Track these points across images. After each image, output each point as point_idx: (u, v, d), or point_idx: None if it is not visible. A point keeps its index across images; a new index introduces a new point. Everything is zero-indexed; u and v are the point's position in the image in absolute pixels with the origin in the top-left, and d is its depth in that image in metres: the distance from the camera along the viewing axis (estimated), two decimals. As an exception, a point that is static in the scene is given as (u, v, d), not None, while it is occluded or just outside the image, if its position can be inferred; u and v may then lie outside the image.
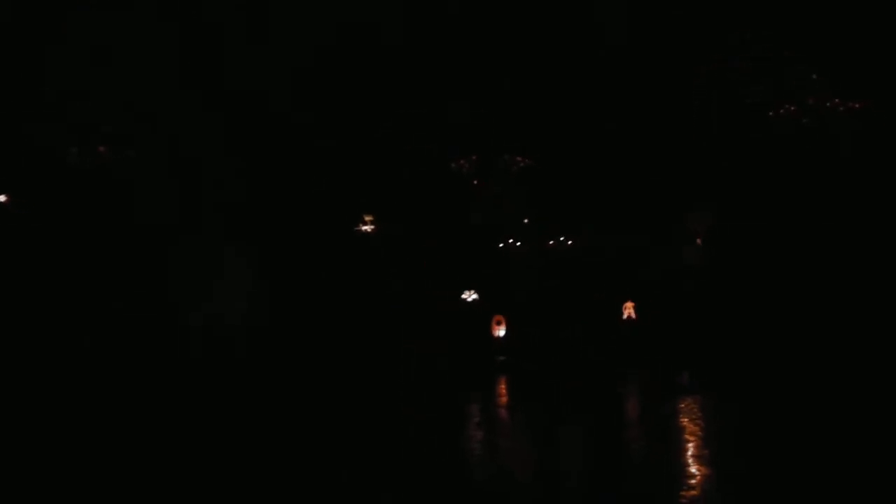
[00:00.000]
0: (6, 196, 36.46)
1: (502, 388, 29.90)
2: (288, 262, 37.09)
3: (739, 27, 34.97)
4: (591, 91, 37.23)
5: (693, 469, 15.55)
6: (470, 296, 37.75)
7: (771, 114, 33.61)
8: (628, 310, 35.58)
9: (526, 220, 40.50)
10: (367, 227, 40.94)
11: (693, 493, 13.80)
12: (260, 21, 35.70)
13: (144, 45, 35.22)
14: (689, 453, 17.15)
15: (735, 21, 34.93)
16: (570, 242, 39.29)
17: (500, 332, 35.74)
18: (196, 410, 21.42)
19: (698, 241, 36.31)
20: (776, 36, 34.02)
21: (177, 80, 35.64)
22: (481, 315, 36.49)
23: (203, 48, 35.86)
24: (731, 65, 35.13)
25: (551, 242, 39.50)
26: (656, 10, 35.16)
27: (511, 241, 39.99)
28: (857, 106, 32.81)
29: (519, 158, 41.14)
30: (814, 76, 33.35)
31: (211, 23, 35.67)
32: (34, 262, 34.45)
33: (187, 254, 33.95)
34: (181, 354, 30.66)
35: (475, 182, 41.43)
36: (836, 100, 33.37)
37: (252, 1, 35.79)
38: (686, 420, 21.15)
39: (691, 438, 18.70)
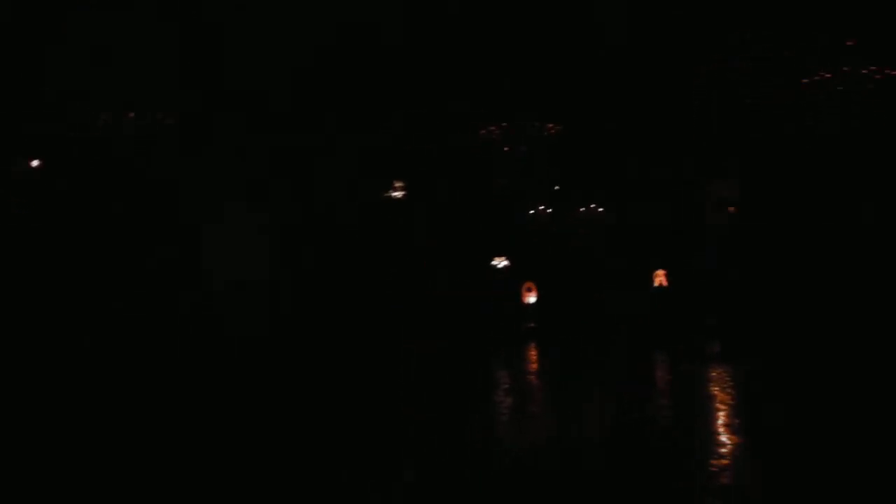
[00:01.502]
0: (39, 161, 36.91)
1: (532, 354, 30.07)
2: (312, 231, 37.20)
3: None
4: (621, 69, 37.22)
5: (724, 438, 15.63)
6: (501, 262, 37.83)
7: (806, 81, 33.24)
8: (659, 278, 35.57)
9: (557, 187, 40.42)
10: (398, 194, 41.02)
11: (724, 461, 13.90)
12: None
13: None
14: (720, 422, 17.23)
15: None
16: (601, 210, 39.18)
17: (531, 298, 35.91)
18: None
19: (730, 209, 36.11)
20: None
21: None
22: (512, 281, 36.62)
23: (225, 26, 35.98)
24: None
25: (582, 209, 39.41)
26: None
27: (542, 207, 39.96)
28: (894, 73, 32.37)
29: (549, 125, 41.01)
30: (848, 43, 32.92)
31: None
32: (64, 229, 34.97)
33: (207, 222, 34.20)
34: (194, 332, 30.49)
35: (505, 149, 41.36)
36: (872, 67, 32.91)
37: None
38: (717, 389, 21.22)
39: (722, 407, 18.77)
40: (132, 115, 37.68)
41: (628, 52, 36.44)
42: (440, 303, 33.86)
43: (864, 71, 33.48)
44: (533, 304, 35.76)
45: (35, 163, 36.73)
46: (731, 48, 35.36)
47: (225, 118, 36.13)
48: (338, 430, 16.57)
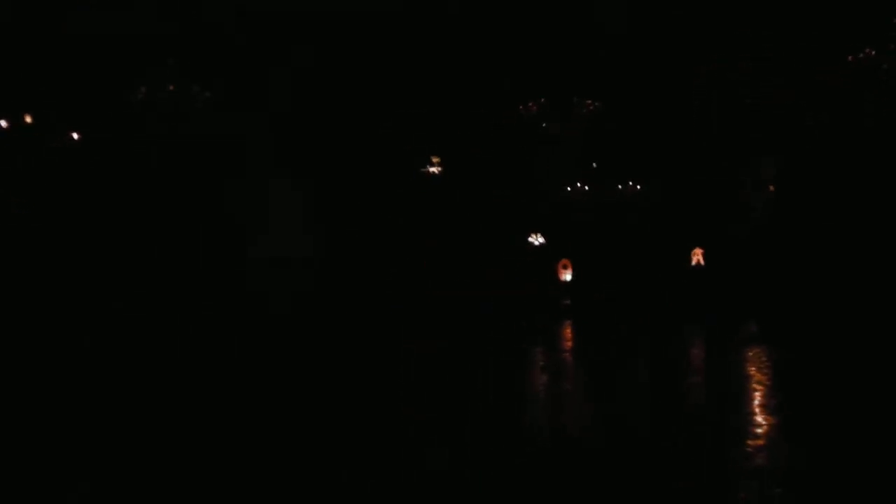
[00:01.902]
0: (79, 134, 37.26)
1: (567, 331, 30.03)
2: (348, 203, 37.12)
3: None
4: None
5: (759, 418, 15.53)
6: (537, 239, 37.76)
7: (850, 58, 32.70)
8: (697, 256, 35.33)
9: (595, 165, 40.23)
10: (435, 169, 40.99)
11: (759, 442, 13.80)
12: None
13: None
14: (756, 402, 17.12)
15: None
16: (638, 187, 38.96)
17: (567, 276, 35.82)
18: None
19: (770, 188, 35.73)
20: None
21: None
22: (548, 258, 36.55)
23: None
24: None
25: (620, 187, 39.23)
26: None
27: (579, 184, 39.80)
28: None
29: (588, 102, 40.72)
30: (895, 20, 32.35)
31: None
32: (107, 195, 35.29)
33: (242, 194, 34.27)
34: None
35: (544, 125, 41.16)
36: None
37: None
38: (753, 369, 21.09)
39: (758, 388, 18.65)
40: (171, 87, 37.86)
41: (669, 33, 35.99)
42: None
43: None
44: (569, 282, 35.66)
45: (75, 136, 37.11)
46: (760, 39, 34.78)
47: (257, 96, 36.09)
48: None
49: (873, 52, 32.68)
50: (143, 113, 37.63)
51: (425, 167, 40.92)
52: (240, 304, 30.73)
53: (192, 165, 36.65)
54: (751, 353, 23.17)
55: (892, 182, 32.34)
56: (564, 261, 36.11)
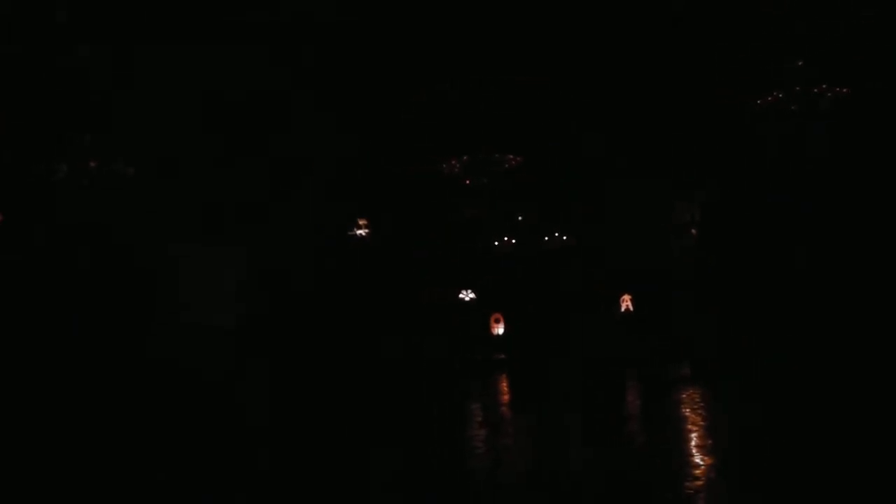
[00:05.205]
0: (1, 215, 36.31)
1: (503, 385, 30.01)
2: (278, 265, 36.69)
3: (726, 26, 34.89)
4: (579, 86, 37.08)
5: (697, 459, 15.64)
6: (468, 295, 37.83)
7: (759, 101, 33.64)
8: (626, 302, 35.73)
9: (520, 217, 40.60)
10: (362, 231, 40.90)
11: (698, 483, 13.89)
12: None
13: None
14: (693, 444, 17.25)
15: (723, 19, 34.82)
16: (565, 238, 39.41)
17: (499, 329, 35.90)
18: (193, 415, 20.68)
19: (693, 231, 36.42)
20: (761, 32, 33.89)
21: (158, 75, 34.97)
22: (479, 313, 36.61)
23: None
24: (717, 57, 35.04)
25: (546, 238, 39.61)
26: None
27: (507, 238, 40.09)
28: (844, 91, 32.83)
29: (510, 156, 41.12)
30: (800, 63, 33.40)
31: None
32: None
33: (173, 258, 33.60)
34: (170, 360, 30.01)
35: (467, 181, 41.40)
36: (823, 85, 33.39)
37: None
38: (688, 411, 21.28)
39: (694, 429, 18.82)
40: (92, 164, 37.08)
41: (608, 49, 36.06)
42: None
43: (815, 90, 33.85)
44: (501, 336, 35.73)
45: None
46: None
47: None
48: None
49: (780, 95, 33.64)
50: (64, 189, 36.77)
51: (352, 230, 40.77)
52: (160, 369, 30.12)
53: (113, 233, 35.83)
54: (684, 396, 23.41)
55: (808, 217, 33.20)
56: (496, 315, 36.22)
